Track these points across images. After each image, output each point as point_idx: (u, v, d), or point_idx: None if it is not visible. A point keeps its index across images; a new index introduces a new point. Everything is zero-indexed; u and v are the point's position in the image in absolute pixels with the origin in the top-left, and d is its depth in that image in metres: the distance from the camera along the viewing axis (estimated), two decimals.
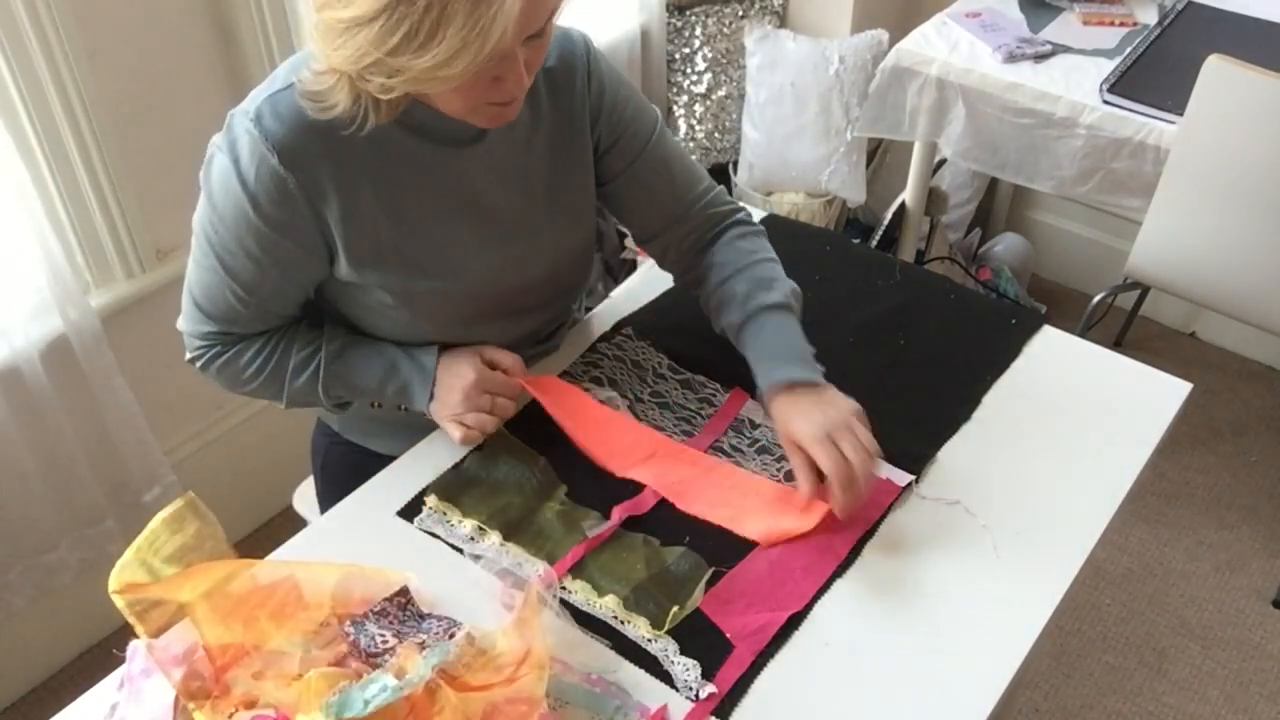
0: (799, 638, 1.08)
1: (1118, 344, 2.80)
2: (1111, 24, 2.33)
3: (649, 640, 1.08)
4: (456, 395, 1.25)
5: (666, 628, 1.09)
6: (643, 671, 1.05)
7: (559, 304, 1.40)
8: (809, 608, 1.11)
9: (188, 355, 1.29)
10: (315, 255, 1.19)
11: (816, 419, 1.19)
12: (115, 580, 1.03)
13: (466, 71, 0.98)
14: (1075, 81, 2.16)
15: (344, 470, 1.39)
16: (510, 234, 1.26)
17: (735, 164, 2.77)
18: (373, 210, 1.17)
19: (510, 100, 1.09)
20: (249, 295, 1.20)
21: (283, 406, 1.30)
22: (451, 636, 1.03)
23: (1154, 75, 2.14)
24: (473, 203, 1.23)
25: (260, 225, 1.14)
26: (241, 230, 1.15)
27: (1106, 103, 2.09)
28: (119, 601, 1.03)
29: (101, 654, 2.06)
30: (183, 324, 1.27)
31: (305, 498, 1.65)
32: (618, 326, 1.45)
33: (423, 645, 1.01)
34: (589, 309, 1.51)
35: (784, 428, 1.22)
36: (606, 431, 1.27)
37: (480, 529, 1.19)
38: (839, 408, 1.21)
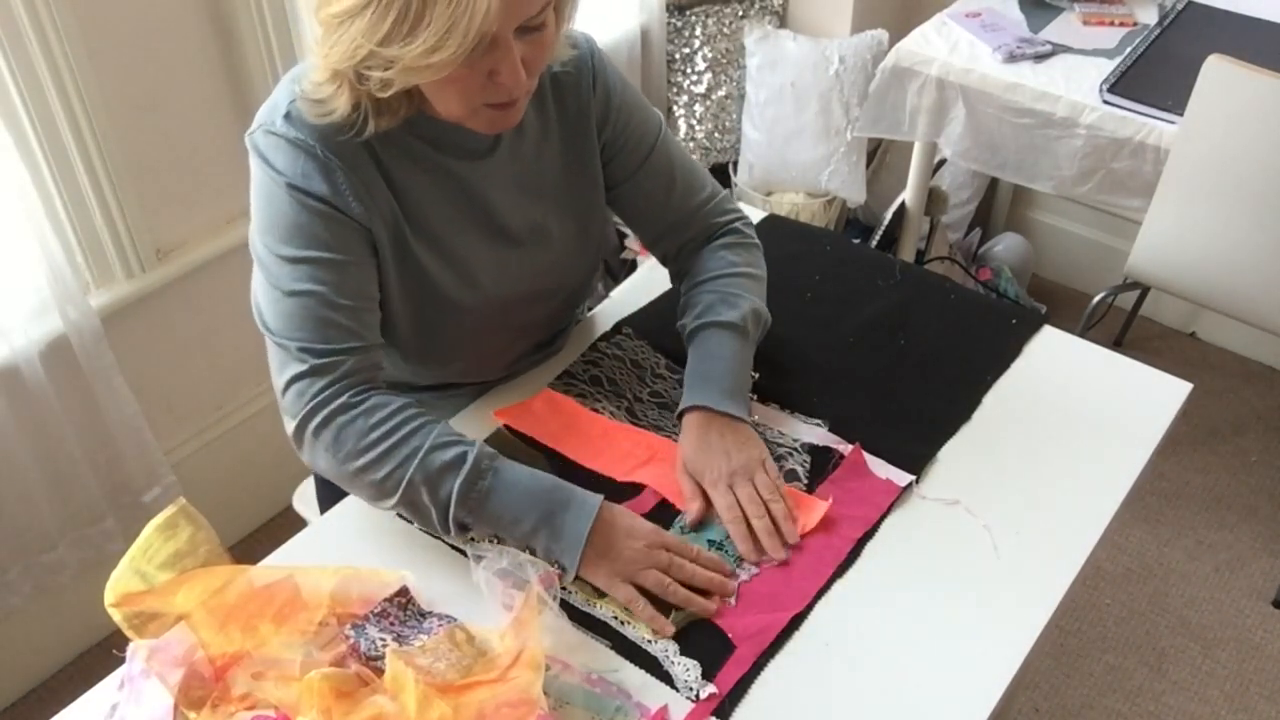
0: (799, 638, 1.08)
1: (1118, 344, 2.80)
2: (1111, 24, 2.33)
3: (649, 641, 1.08)
4: (634, 546, 1.10)
5: None
6: (643, 672, 1.05)
7: (565, 313, 1.40)
8: (809, 608, 1.11)
9: (295, 419, 1.11)
10: (367, 241, 1.15)
11: (718, 461, 1.19)
12: (111, 593, 1.03)
13: (457, 57, 0.97)
14: (1075, 81, 2.16)
15: None
16: (524, 246, 1.26)
17: (735, 164, 2.77)
18: (396, 214, 1.17)
19: (509, 101, 1.08)
20: (336, 295, 1.11)
21: (390, 504, 1.11)
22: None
23: (1154, 75, 2.14)
24: (488, 216, 1.23)
25: (314, 212, 1.10)
26: (302, 223, 1.10)
27: (1106, 103, 2.09)
28: (116, 615, 1.02)
29: (101, 654, 2.06)
30: (283, 380, 1.12)
31: (305, 498, 1.65)
32: (618, 326, 1.45)
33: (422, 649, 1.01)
34: (589, 309, 1.51)
35: (686, 456, 1.21)
36: (602, 444, 1.27)
37: None
38: (748, 453, 1.20)
